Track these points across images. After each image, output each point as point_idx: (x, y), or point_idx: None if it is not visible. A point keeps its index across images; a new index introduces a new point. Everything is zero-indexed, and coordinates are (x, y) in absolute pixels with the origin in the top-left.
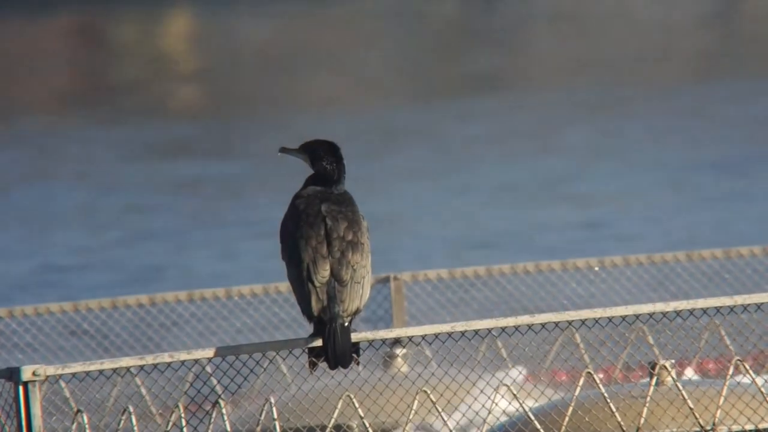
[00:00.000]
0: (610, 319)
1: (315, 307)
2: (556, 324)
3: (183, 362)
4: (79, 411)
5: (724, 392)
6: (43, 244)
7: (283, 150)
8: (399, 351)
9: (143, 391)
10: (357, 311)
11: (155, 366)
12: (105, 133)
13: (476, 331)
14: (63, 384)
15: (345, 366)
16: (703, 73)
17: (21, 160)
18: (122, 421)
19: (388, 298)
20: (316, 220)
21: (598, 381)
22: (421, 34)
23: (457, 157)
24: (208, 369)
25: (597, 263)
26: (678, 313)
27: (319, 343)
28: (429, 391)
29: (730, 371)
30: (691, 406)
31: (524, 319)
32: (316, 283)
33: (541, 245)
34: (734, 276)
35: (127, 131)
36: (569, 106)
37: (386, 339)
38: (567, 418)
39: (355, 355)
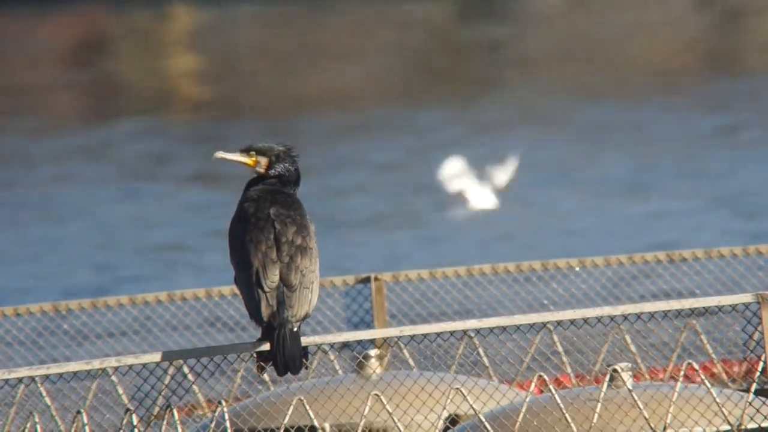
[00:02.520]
0: (558, 323)
1: (265, 312)
2: (504, 328)
3: (131, 366)
4: (31, 413)
5: (675, 396)
6: None
7: (221, 156)
8: (373, 353)
9: (121, 391)
10: (306, 316)
11: (102, 370)
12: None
13: (425, 335)
14: (40, 385)
15: (294, 371)
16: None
17: None
18: (74, 425)
19: (369, 298)
20: (266, 224)
21: (550, 385)
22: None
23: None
24: (186, 371)
25: (578, 263)
26: (626, 316)
27: (267, 347)
28: (381, 395)
29: (681, 374)
30: (642, 408)
31: (472, 323)
32: (266, 288)
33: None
34: (715, 276)
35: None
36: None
37: (335, 343)
38: (518, 423)
39: (304, 360)
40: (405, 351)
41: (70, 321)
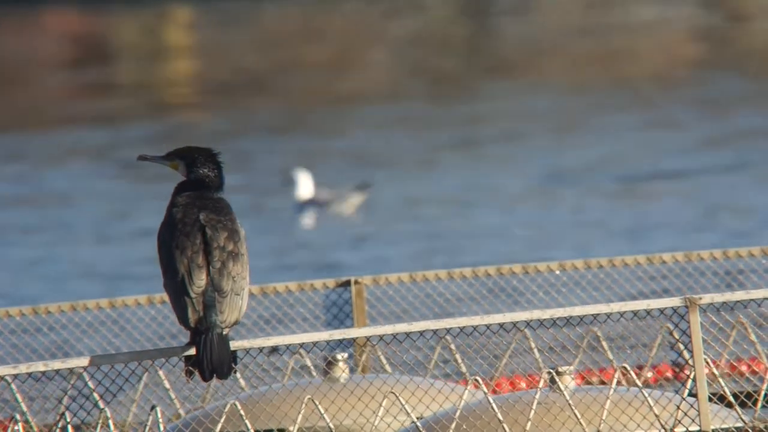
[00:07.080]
0: (487, 326)
1: (191, 317)
2: (434, 332)
3: (57, 371)
4: None
5: (611, 399)
6: None
7: (142, 157)
8: (341, 356)
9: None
10: (236, 322)
11: (29, 375)
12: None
13: (353, 340)
14: (11, 384)
15: (222, 376)
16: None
17: None
18: (10, 429)
19: (349, 302)
20: (193, 230)
21: (484, 387)
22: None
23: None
24: (161, 375)
25: (558, 267)
26: (555, 320)
27: (194, 352)
28: (314, 398)
29: (614, 379)
30: (575, 410)
31: (402, 327)
32: (192, 294)
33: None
34: (694, 279)
35: None
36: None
37: (263, 347)
38: (452, 428)
39: (233, 365)
40: (378, 350)
41: (49, 323)
